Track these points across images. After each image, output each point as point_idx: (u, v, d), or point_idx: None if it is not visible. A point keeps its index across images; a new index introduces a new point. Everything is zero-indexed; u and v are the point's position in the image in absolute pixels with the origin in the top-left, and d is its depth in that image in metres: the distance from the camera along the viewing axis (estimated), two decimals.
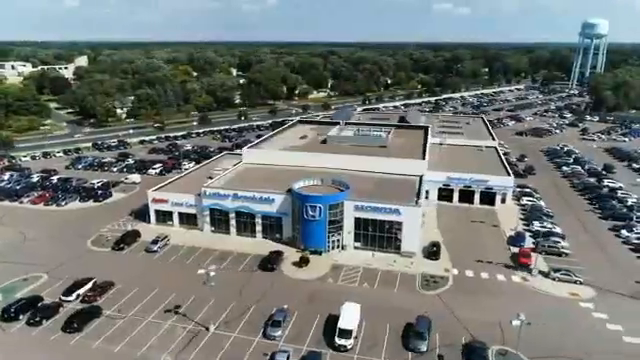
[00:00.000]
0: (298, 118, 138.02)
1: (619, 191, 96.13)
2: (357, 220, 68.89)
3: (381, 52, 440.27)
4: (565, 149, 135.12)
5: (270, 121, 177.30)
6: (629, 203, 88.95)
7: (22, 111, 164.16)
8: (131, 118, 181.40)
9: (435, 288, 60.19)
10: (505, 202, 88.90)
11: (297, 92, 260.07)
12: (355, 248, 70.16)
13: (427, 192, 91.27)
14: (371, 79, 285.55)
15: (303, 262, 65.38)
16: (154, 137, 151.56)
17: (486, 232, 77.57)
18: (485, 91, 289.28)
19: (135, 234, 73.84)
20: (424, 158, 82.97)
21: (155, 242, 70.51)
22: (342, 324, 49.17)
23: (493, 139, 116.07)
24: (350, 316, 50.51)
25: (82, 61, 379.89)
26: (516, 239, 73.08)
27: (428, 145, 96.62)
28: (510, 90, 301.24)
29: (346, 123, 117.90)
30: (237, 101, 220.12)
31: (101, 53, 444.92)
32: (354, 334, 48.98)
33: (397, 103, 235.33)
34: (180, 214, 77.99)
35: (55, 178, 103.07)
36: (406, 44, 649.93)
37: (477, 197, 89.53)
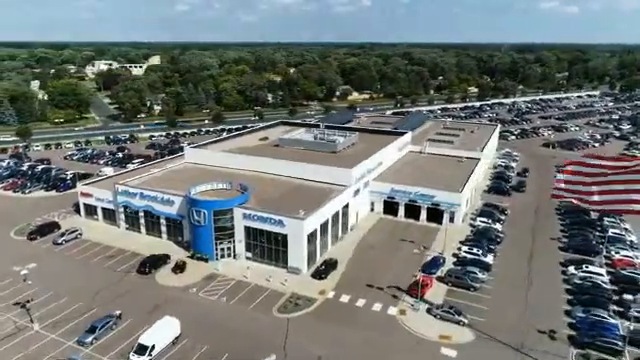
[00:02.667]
0: (279, 120, 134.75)
1: (608, 218, 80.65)
2: (247, 229, 64.94)
3: (457, 53, 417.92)
4: None
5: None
6: (609, 234, 74.10)
7: (62, 105, 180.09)
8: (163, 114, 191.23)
9: (292, 311, 54.55)
10: (454, 221, 78.70)
11: (337, 93, 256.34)
12: (247, 258, 66.26)
13: (372, 204, 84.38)
14: (419, 81, 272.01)
15: (178, 268, 63.06)
16: (164, 133, 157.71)
17: (407, 253, 69.05)
18: (546, 96, 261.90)
19: (54, 225, 76.56)
20: (351, 167, 75.91)
21: (62, 235, 72.52)
22: (142, 339, 46.26)
23: (481, 151, 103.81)
24: (158, 331, 47.37)
25: (155, 60, 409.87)
26: (430, 265, 64.18)
27: (384, 153, 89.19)
28: (579, 96, 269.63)
29: (326, 126, 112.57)
30: (271, 101, 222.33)
31: (184, 53, 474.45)
32: (154, 351, 45.78)
33: (434, 107, 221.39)
34: (103, 209, 79.50)
35: (40, 167, 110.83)
36: (500, 45, 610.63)
37: (424, 213, 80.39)
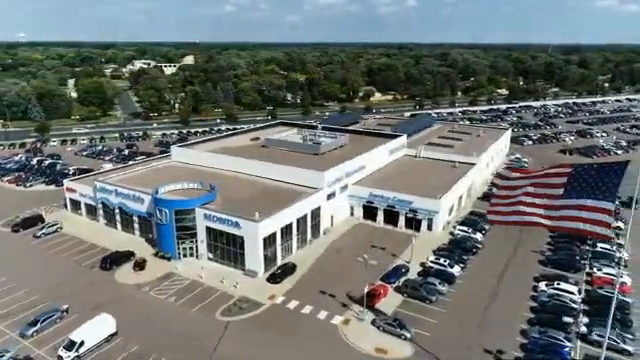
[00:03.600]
0: (279, 120, 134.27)
1: None
2: (209, 229, 64.91)
3: (497, 54, 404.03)
4: None
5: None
6: (597, 249, 69.01)
7: (86, 102, 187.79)
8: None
9: (235, 314, 53.94)
10: (432, 229, 75.66)
11: (360, 94, 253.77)
12: (209, 259, 66.29)
13: (352, 208, 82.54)
14: (445, 83, 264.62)
15: (137, 266, 63.81)
16: (176, 131, 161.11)
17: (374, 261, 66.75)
18: (581, 100, 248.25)
19: (37, 218, 79.43)
20: (324, 170, 74.38)
21: (42, 228, 75.16)
22: (72, 334, 47.00)
23: (478, 156, 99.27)
24: (91, 328, 47.97)
25: (189, 60, 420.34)
26: (390, 274, 61.87)
27: (369, 156, 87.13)
28: (617, 100, 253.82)
29: (323, 127, 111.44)
30: (290, 100, 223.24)
31: (221, 53, 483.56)
32: (83, 347, 46.38)
33: (455, 109, 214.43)
34: (86, 205, 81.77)
35: (47, 162, 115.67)
36: (546, 45, 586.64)
37: (402, 219, 77.73)
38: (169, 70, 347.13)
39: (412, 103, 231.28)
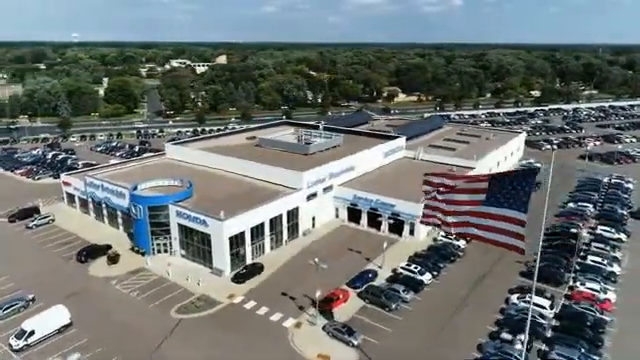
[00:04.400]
0: (283, 120, 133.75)
1: (598, 244, 70.28)
2: (181, 226, 65.53)
3: (540, 55, 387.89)
4: (613, 182, 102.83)
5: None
6: (587, 261, 64.64)
7: (111, 100, 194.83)
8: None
9: (191, 312, 54.13)
10: (414, 234, 73.25)
11: (384, 94, 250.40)
12: (182, 256, 66.94)
13: (337, 210, 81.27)
14: (473, 84, 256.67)
15: (110, 260, 65.24)
16: (191, 129, 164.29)
17: (345, 265, 65.05)
18: (617, 103, 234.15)
19: (33, 210, 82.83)
20: (303, 171, 73.47)
21: (34, 220, 78.30)
22: (24, 324, 48.52)
23: (477, 160, 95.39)
24: (43, 319, 49.34)
25: (222, 59, 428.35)
26: (356, 278, 60.34)
27: (358, 157, 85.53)
28: None
29: (324, 128, 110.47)
30: (311, 100, 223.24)
31: (255, 53, 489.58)
32: (33, 336, 47.85)
33: (479, 111, 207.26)
34: (80, 199, 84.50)
35: (60, 157, 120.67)
36: (598, 46, 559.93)
37: (385, 223, 75.65)
38: (200, 69, 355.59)
39: (435, 104, 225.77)
